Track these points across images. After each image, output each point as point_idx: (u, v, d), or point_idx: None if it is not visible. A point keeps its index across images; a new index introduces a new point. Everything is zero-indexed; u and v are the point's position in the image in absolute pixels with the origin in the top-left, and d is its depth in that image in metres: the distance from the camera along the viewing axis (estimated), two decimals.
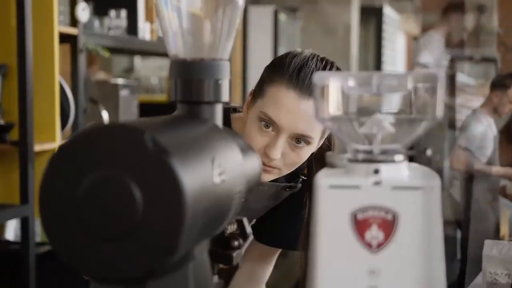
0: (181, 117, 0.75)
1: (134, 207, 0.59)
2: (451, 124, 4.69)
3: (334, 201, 0.66)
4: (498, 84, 4.29)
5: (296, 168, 1.36)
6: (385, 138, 0.69)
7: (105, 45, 2.88)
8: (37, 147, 2.38)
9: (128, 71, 5.72)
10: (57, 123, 2.51)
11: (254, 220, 1.50)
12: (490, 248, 2.03)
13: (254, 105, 1.26)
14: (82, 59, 2.69)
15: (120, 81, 3.19)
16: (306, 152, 1.26)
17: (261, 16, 4.88)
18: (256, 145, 1.23)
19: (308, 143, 1.24)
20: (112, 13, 3.03)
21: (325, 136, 1.31)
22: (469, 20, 4.45)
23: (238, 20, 0.83)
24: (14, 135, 2.37)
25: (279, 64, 1.25)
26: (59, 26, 2.54)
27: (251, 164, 0.82)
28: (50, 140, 2.48)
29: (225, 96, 0.80)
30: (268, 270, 1.52)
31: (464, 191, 4.19)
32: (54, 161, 0.61)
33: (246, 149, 0.83)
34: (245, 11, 4.59)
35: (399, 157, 0.68)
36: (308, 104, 1.20)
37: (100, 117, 2.91)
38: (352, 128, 0.69)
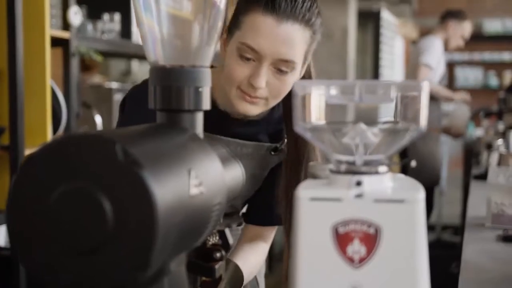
0: (159, 126, 0.73)
1: (105, 221, 0.56)
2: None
3: (315, 214, 0.64)
4: (453, 16, 4.43)
5: (280, 130, 1.37)
6: (369, 147, 0.67)
7: (98, 49, 2.86)
8: (28, 152, 2.36)
9: (125, 75, 5.70)
10: (49, 127, 2.48)
11: (246, 206, 1.49)
12: (495, 175, 1.89)
13: (232, 39, 1.25)
14: (74, 63, 2.67)
15: (114, 85, 3.16)
16: (290, 79, 1.23)
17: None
18: (238, 76, 1.22)
19: (291, 68, 1.22)
20: (106, 16, 3.01)
21: (307, 62, 1.28)
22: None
23: (220, 24, 0.80)
24: (4, 139, 2.34)
25: None
26: (51, 29, 2.52)
27: (232, 174, 0.80)
28: (41, 144, 2.45)
29: (206, 104, 0.78)
30: (266, 249, 1.48)
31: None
32: (24, 170, 0.59)
33: (228, 158, 0.81)
34: None
35: (382, 169, 0.66)
36: (286, 27, 1.19)
37: (93, 121, 2.88)
38: (334, 138, 0.67)
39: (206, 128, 0.78)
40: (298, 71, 1.25)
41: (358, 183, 0.64)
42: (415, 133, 0.65)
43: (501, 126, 4.02)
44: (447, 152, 5.79)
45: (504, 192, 1.82)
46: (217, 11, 0.80)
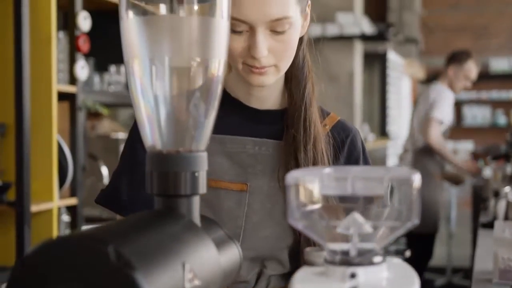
0: (155, 214, 0.73)
1: None
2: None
3: None
4: (453, 59, 4.43)
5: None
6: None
7: (104, 101, 2.88)
8: (34, 208, 2.37)
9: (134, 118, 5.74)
10: (55, 182, 2.49)
11: None
12: (501, 229, 1.84)
13: None
14: (81, 116, 2.70)
15: (121, 135, 3.19)
16: (293, 35, 1.15)
17: None
18: (237, 52, 1.14)
19: (289, 24, 1.13)
20: (112, 68, 3.04)
21: (307, 6, 1.20)
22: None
23: (214, 113, 0.81)
24: (11, 195, 2.35)
25: None
26: (58, 84, 2.55)
27: (228, 256, 0.80)
28: (47, 200, 2.46)
29: (202, 188, 0.78)
30: None
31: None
32: (16, 274, 0.59)
33: (224, 240, 0.81)
34: None
35: (377, 259, 0.66)
36: None
37: (100, 173, 2.89)
38: (328, 227, 0.67)
39: (220, 126, 0.73)
40: (298, 22, 1.17)
41: (353, 275, 0.64)
42: (410, 224, 0.65)
43: (509, 169, 4.01)
44: (456, 193, 5.77)
45: (511, 246, 1.80)
46: (214, 94, 0.81)
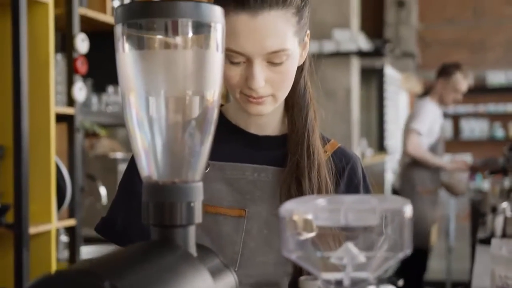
0: (151, 245, 0.74)
1: None
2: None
3: None
4: (441, 73, 4.45)
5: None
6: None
7: (102, 122, 2.90)
8: (33, 230, 2.37)
9: None
10: (53, 204, 2.50)
11: None
12: (498, 246, 1.82)
13: None
14: (79, 138, 2.71)
15: (119, 155, 3.19)
16: (290, 66, 1.15)
17: None
18: (235, 82, 1.14)
19: (286, 56, 1.13)
20: (110, 89, 3.06)
21: (305, 38, 1.20)
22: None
23: (210, 142, 0.82)
24: (9, 217, 2.36)
25: None
26: (56, 106, 2.56)
27: (225, 285, 0.81)
28: (46, 221, 2.47)
29: (198, 218, 0.79)
30: None
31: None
32: None
33: (220, 269, 0.82)
34: None
35: None
36: (263, 18, 1.10)
37: (98, 193, 2.90)
38: (322, 258, 0.68)
39: (221, 152, 0.74)
40: (296, 53, 1.17)
41: None
42: (402, 254, 0.66)
43: (507, 183, 4.01)
44: (454, 206, 5.77)
45: (508, 264, 1.80)
46: (209, 124, 0.82)
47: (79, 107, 2.71)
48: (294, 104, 1.26)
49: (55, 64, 2.58)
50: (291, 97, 1.24)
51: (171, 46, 0.76)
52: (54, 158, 2.51)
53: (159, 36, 0.76)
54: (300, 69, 1.23)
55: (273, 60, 1.13)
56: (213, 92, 0.81)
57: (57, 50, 2.74)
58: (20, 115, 2.34)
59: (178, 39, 0.76)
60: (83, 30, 2.76)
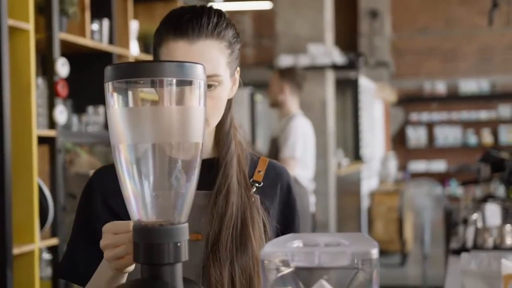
0: (141, 283, 0.82)
1: None
2: None
3: None
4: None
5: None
6: None
7: (83, 142, 2.95)
8: (16, 250, 2.42)
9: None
10: (36, 224, 2.55)
11: None
12: (467, 262, 1.87)
13: None
14: (60, 159, 2.76)
15: None
16: (221, 93, 1.24)
17: (238, 98, 5.00)
18: None
19: (219, 82, 1.22)
20: (90, 109, 3.12)
21: (236, 72, 1.29)
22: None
23: (195, 183, 0.90)
24: None
25: (162, 24, 1.24)
26: (38, 129, 2.61)
27: None
28: (29, 242, 2.51)
29: (184, 256, 0.87)
30: None
31: None
32: None
33: None
34: None
35: None
36: (199, 45, 1.20)
37: None
38: None
39: None
40: (227, 83, 1.26)
41: None
42: None
43: (478, 193, 4.12)
44: (429, 215, 5.89)
45: (478, 278, 1.87)
46: (193, 169, 0.90)
47: (60, 129, 2.76)
48: (220, 138, 1.31)
49: (36, 88, 2.63)
50: (219, 130, 1.30)
51: (157, 102, 0.84)
52: (36, 180, 2.56)
53: (146, 94, 0.84)
54: (229, 103, 1.30)
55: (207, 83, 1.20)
56: (197, 140, 0.89)
57: (38, 73, 2.79)
58: (3, 138, 2.39)
59: (164, 96, 0.83)
60: (63, 52, 2.81)
